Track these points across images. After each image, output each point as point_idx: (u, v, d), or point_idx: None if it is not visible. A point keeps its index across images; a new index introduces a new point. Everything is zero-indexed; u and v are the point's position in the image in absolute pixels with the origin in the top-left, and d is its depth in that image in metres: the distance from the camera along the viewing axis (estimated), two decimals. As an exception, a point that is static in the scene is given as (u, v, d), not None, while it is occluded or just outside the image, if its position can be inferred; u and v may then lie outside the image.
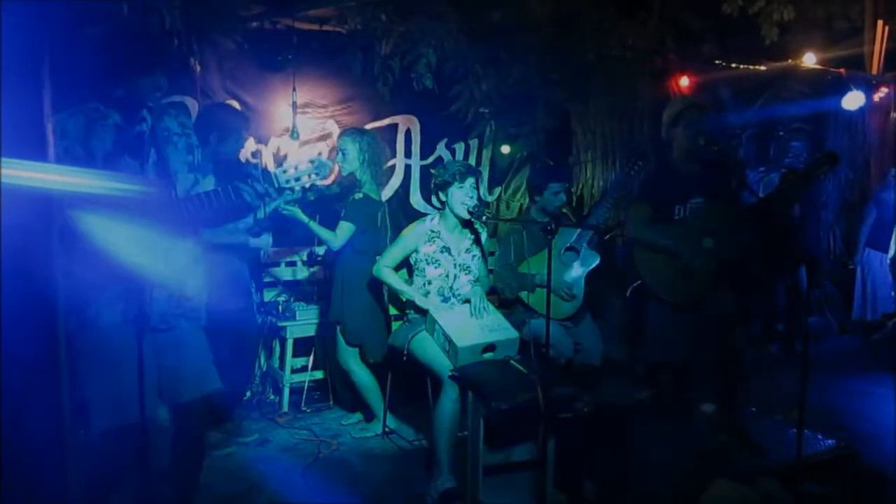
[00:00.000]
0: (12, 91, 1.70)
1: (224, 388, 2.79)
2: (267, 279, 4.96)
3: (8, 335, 1.69)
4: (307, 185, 2.71)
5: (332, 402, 4.85)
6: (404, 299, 3.89)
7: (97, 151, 2.46)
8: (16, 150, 1.70)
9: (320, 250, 4.74)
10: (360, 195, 4.14)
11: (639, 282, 4.03)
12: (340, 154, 4.17)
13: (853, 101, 6.71)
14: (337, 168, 4.42)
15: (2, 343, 1.69)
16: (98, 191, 2.20)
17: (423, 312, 3.75)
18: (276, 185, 2.66)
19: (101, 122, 2.49)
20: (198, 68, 4.49)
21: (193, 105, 4.58)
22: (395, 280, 3.87)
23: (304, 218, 4.04)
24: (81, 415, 2.35)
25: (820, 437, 4.03)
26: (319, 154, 5.06)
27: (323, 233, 4.09)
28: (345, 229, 4.09)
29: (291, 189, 2.70)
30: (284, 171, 2.69)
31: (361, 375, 4.25)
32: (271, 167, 2.89)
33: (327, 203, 4.24)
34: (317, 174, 2.71)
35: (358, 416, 4.53)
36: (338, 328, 4.24)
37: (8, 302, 1.69)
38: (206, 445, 3.06)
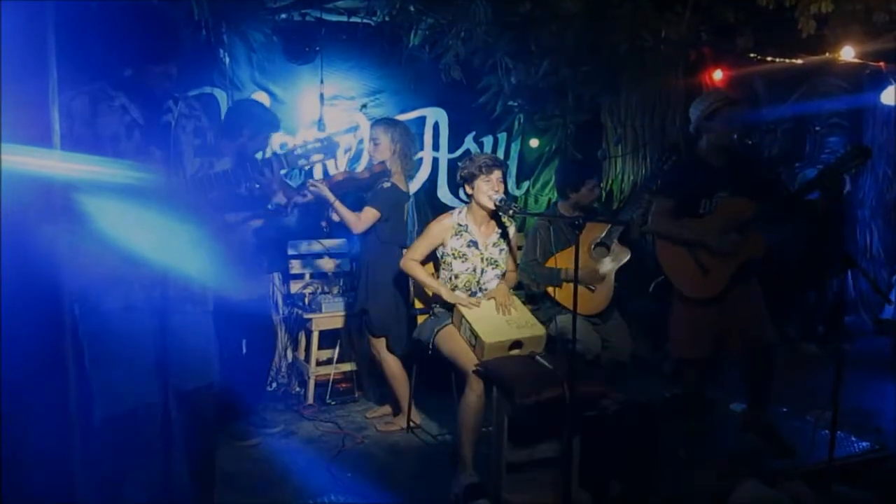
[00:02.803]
0: (16, 71, 1.66)
1: (220, 380, 2.77)
2: (293, 271, 4.97)
3: (11, 322, 1.67)
4: (315, 163, 2.68)
5: (357, 396, 4.85)
6: (431, 293, 3.87)
7: (103, 133, 2.43)
8: (19, 132, 1.67)
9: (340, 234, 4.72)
10: (389, 184, 4.14)
11: (662, 277, 3.98)
12: (372, 143, 4.19)
13: (892, 95, 6.55)
14: (367, 156, 4.45)
15: (5, 330, 1.67)
16: (101, 177, 2.17)
17: (450, 307, 3.72)
18: (286, 164, 2.64)
19: (108, 104, 2.46)
20: (227, 60, 4.51)
21: (222, 97, 4.60)
22: (422, 273, 3.85)
23: (331, 196, 4.01)
24: (86, 403, 2.32)
25: (853, 438, 3.96)
26: (349, 148, 5.06)
27: (346, 214, 4.08)
28: (369, 214, 4.09)
29: (301, 167, 2.68)
30: (293, 149, 2.67)
31: (392, 365, 4.24)
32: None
33: (355, 190, 4.24)
34: (325, 153, 2.70)
35: (383, 409, 4.53)
36: (363, 318, 4.24)
37: (11, 288, 1.67)
38: (215, 436, 3.01)
